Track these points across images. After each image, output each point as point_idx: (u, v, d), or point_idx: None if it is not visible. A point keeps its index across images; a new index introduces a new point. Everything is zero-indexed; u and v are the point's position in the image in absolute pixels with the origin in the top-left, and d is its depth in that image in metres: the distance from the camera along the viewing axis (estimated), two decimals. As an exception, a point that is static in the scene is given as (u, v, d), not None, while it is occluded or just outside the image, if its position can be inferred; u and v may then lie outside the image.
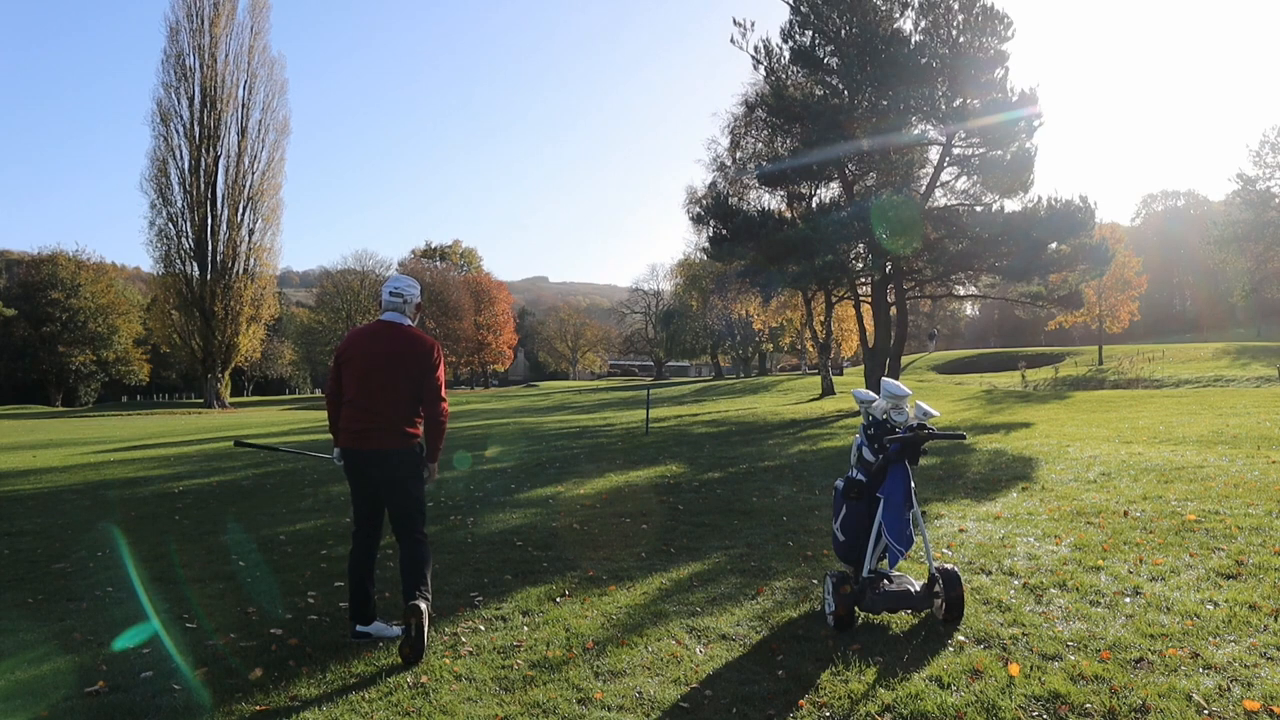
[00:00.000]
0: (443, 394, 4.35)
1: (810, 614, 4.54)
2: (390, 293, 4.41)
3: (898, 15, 21.45)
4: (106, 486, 11.11)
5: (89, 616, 4.93)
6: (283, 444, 4.93)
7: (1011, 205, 21.46)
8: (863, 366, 30.50)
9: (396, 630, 4.30)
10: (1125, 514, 6.63)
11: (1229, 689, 3.33)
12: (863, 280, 25.25)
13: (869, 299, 25.25)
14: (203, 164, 51.62)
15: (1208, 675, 3.46)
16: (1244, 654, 3.66)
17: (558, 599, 5.02)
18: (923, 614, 4.37)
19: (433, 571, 4.69)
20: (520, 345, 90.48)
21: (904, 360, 43.18)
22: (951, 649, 3.91)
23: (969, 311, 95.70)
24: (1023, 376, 42.52)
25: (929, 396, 28.29)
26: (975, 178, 22.05)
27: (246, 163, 52.66)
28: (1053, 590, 4.71)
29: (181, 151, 51.54)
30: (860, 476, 4.49)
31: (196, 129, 51.31)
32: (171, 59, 51.03)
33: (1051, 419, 17.59)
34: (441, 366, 4.38)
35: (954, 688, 3.47)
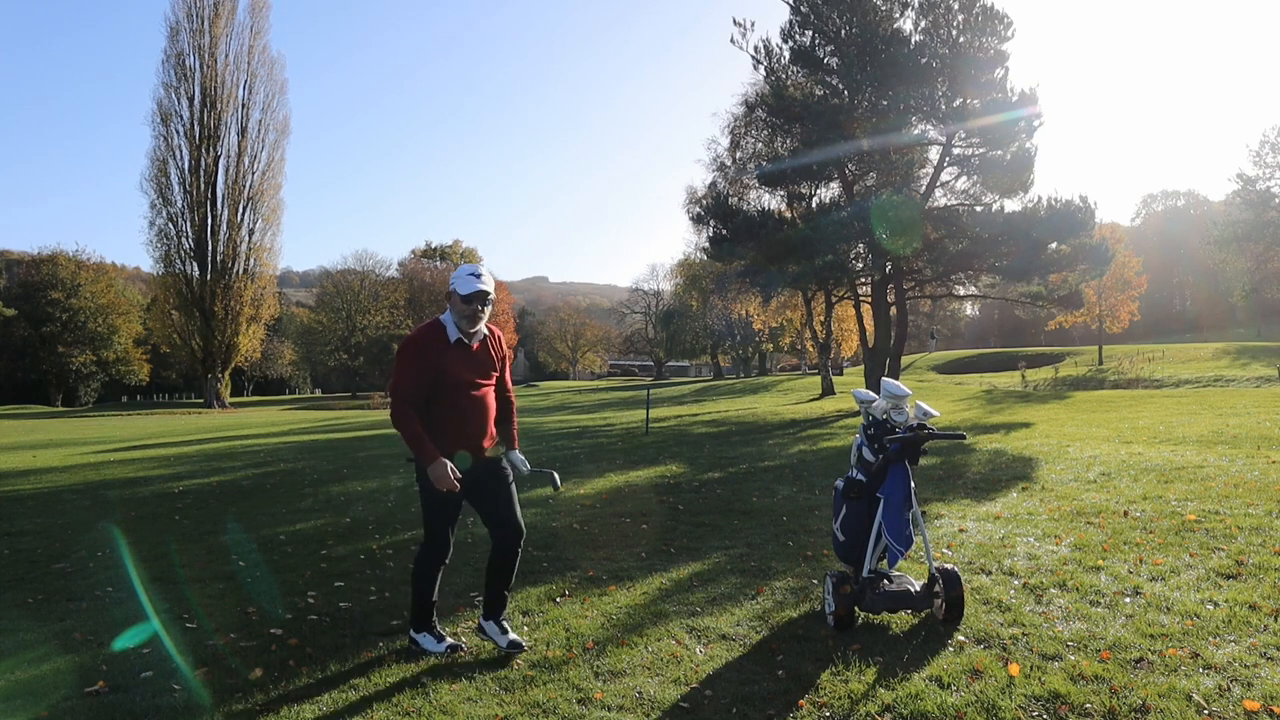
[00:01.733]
0: (397, 392, 3.93)
1: (810, 614, 4.54)
2: None
3: (898, 15, 21.45)
4: (106, 486, 11.11)
5: (89, 616, 4.93)
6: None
7: (1011, 205, 21.49)
8: (863, 366, 30.50)
9: (442, 646, 4.13)
10: (1125, 514, 6.63)
11: (1229, 689, 3.33)
12: (863, 280, 25.25)
13: (869, 299, 25.25)
14: (203, 164, 51.69)
15: (1208, 675, 3.46)
16: (1244, 654, 3.66)
17: (558, 599, 5.02)
18: (923, 614, 4.37)
19: (416, 589, 4.19)
20: (520, 345, 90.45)
21: (904, 360, 43.17)
22: (951, 649, 3.91)
23: (969, 311, 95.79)
24: (1023, 376, 42.53)
25: (929, 396, 28.29)
26: (975, 178, 22.05)
27: (246, 163, 52.80)
28: (1053, 590, 4.71)
29: (181, 151, 51.68)
30: (860, 476, 4.49)
31: (196, 129, 51.40)
32: (171, 59, 51.20)
33: (1051, 419, 17.59)
34: (400, 361, 3.96)
35: (954, 688, 3.47)
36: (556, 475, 4.36)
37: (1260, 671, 3.47)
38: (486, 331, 4.12)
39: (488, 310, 4.02)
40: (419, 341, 3.96)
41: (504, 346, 4.26)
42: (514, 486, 4.25)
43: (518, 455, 4.30)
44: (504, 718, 3.38)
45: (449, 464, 3.88)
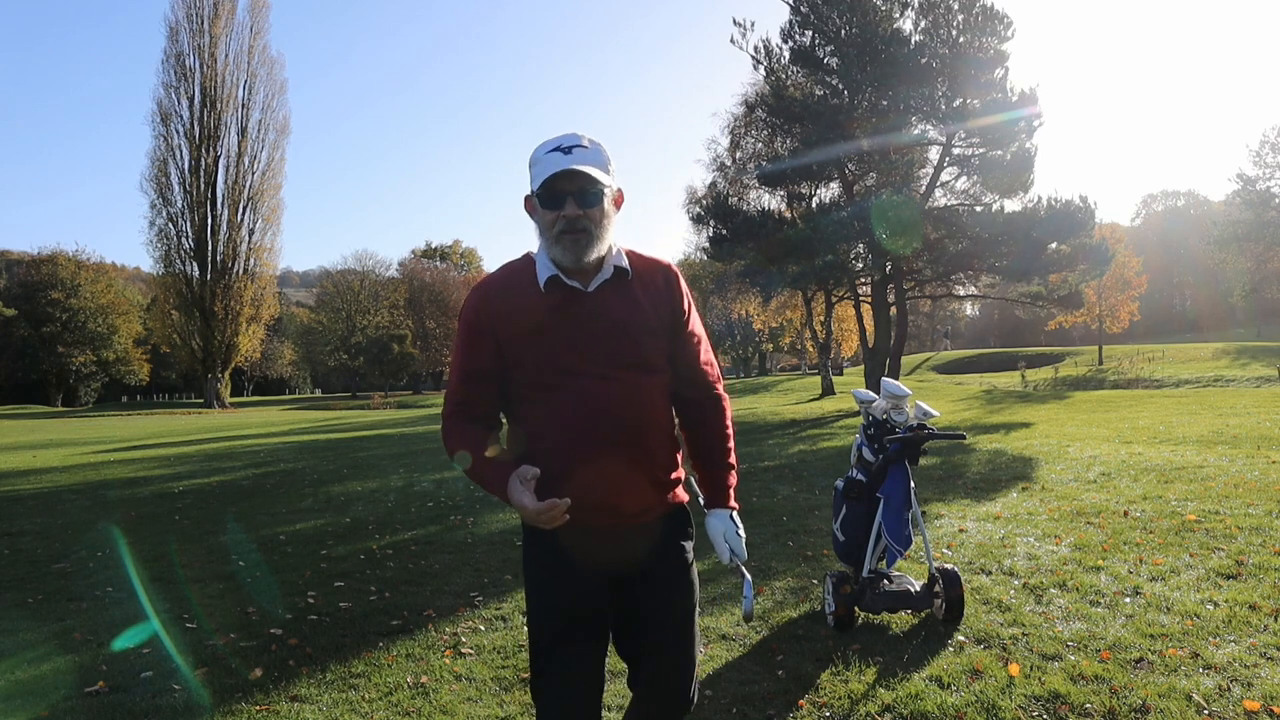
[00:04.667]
0: (446, 398, 2.18)
1: (810, 614, 4.54)
2: None
3: (898, 15, 21.47)
4: (106, 486, 11.11)
5: (89, 616, 4.92)
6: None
7: (1011, 205, 21.51)
8: (863, 366, 30.53)
9: None
10: (1125, 514, 6.63)
11: (1229, 689, 3.33)
12: (863, 280, 25.27)
13: (869, 299, 25.27)
14: (203, 164, 51.71)
15: (1208, 675, 3.46)
16: (1244, 654, 3.65)
17: (558, 599, 5.01)
18: (923, 614, 4.37)
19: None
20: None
21: (909, 361, 43.22)
22: (951, 649, 3.91)
23: (969, 311, 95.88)
24: (1023, 376, 42.57)
25: (929, 396, 28.28)
26: (975, 178, 22.08)
27: (246, 163, 52.81)
28: (1053, 590, 4.71)
29: (181, 151, 51.69)
30: (860, 476, 4.49)
31: (196, 129, 51.43)
32: (171, 59, 51.23)
33: (1051, 419, 17.59)
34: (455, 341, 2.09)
35: (954, 688, 3.46)
36: (750, 582, 2.24)
37: (1260, 671, 3.47)
38: (625, 265, 1.98)
39: (602, 213, 1.90)
40: (476, 296, 2.00)
41: (681, 295, 2.08)
42: (693, 591, 2.12)
43: (723, 520, 2.14)
44: (504, 718, 3.38)
45: (525, 477, 1.79)
